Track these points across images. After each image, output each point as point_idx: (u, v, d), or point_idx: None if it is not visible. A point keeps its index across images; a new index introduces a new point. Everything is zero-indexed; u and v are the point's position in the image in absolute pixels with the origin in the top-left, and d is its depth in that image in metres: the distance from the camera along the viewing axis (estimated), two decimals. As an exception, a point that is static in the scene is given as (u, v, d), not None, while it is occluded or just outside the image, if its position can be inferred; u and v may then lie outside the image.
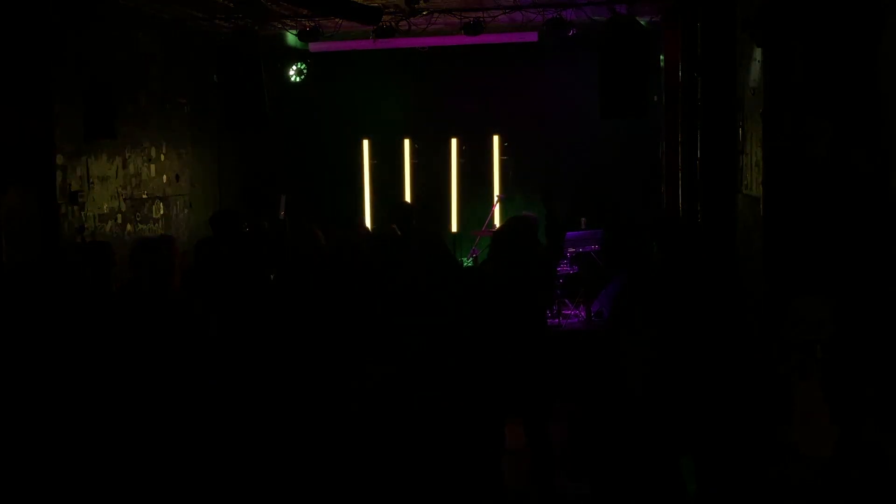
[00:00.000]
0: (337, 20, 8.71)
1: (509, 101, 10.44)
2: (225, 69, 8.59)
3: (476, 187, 10.68)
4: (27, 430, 5.59)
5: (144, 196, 8.04)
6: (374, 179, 10.87)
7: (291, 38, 9.66)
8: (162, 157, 8.39)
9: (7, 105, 6.49)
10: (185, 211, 8.82)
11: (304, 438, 5.49)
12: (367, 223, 10.59)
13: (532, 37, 9.27)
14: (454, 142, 10.67)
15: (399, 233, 6.13)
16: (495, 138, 10.62)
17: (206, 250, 5.97)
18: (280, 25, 9.14)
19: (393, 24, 8.59)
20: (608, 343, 4.85)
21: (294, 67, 10.13)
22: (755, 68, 4.90)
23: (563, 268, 8.63)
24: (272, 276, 6.11)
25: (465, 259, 9.52)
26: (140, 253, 4.76)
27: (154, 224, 8.17)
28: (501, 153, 10.62)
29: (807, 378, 4.20)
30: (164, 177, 8.43)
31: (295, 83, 10.22)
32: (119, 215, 7.58)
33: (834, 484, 4.10)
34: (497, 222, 9.84)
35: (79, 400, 5.60)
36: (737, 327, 5.26)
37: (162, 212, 8.35)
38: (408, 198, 10.77)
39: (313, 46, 9.68)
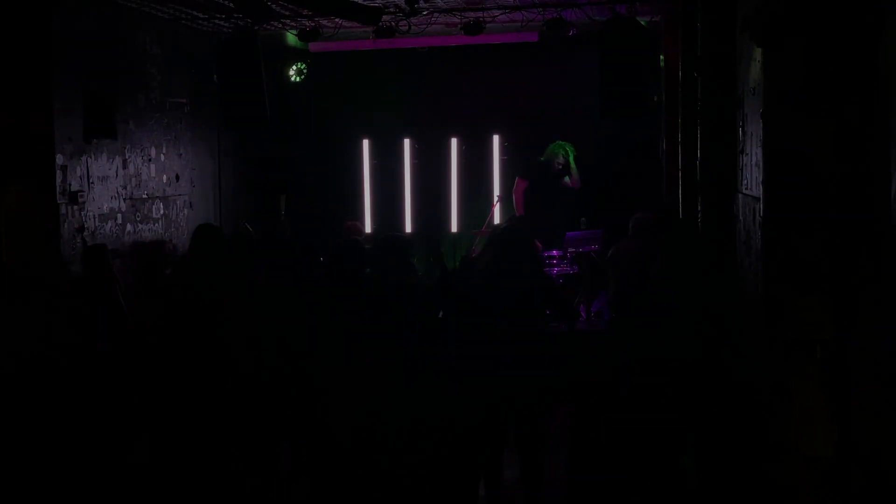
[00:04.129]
0: (337, 20, 8.71)
1: (509, 101, 10.43)
2: (225, 69, 8.59)
3: (476, 187, 10.67)
4: (29, 429, 5.60)
5: (144, 196, 8.04)
6: (374, 179, 10.87)
7: (291, 38, 9.66)
8: (162, 157, 8.39)
9: (7, 105, 6.49)
10: (185, 211, 8.81)
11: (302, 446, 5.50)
12: (368, 224, 10.60)
13: (532, 37, 9.26)
14: (454, 142, 10.67)
15: None
16: (495, 138, 10.61)
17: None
18: (280, 25, 9.14)
19: (393, 24, 8.58)
20: (610, 342, 4.85)
21: (294, 67, 10.12)
22: (755, 68, 4.90)
23: (564, 268, 8.63)
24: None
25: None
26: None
27: (154, 224, 8.17)
28: (501, 153, 10.62)
29: (807, 378, 4.20)
30: (164, 177, 8.43)
31: (295, 83, 10.21)
32: (119, 215, 7.58)
33: (834, 484, 4.10)
34: (497, 222, 9.83)
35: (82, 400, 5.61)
36: (736, 327, 5.26)
37: (162, 212, 8.34)
38: (407, 198, 10.75)
39: (313, 46, 9.68)
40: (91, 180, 7.15)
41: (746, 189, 5.26)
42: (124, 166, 7.71)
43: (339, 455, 5.03)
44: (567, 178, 9.27)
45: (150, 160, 8.16)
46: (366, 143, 10.87)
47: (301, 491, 5.37)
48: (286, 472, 5.62)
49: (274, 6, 8.17)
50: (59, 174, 6.70)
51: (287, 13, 8.54)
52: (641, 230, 7.04)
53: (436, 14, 8.50)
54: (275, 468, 5.58)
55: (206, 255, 5.82)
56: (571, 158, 9.16)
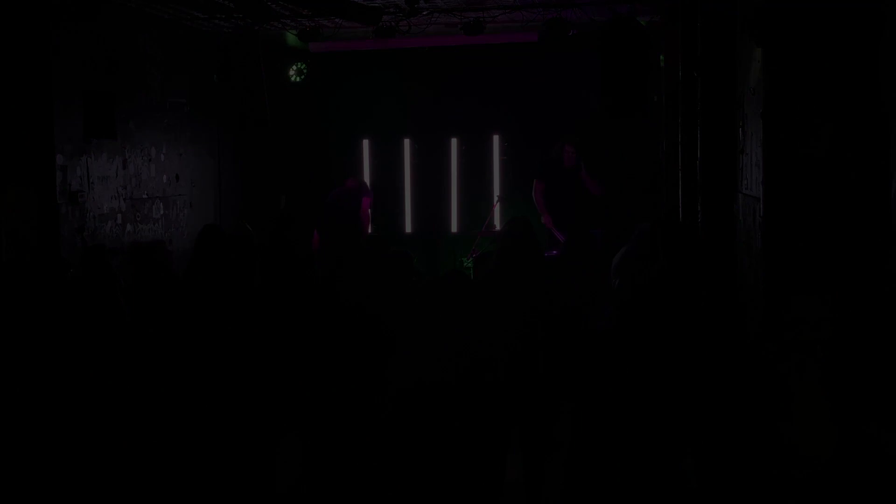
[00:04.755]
0: (337, 20, 8.71)
1: (509, 101, 10.44)
2: (225, 69, 8.60)
3: (476, 187, 10.68)
4: (29, 432, 5.59)
5: (144, 196, 8.05)
6: (374, 179, 10.87)
7: (291, 38, 9.66)
8: (162, 157, 8.39)
9: (7, 105, 6.50)
10: (185, 211, 8.82)
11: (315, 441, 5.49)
12: (368, 225, 10.60)
13: (532, 37, 9.26)
14: (454, 142, 10.67)
15: None
16: (495, 138, 10.62)
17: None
18: (280, 25, 9.14)
19: (393, 24, 8.59)
20: (611, 343, 4.85)
21: (294, 67, 10.12)
22: (755, 68, 4.90)
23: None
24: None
25: (464, 259, 9.52)
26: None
27: (154, 224, 8.17)
28: (501, 153, 10.62)
29: (807, 378, 4.20)
30: (164, 177, 8.44)
31: (295, 83, 10.22)
32: (119, 215, 7.58)
33: (834, 484, 4.10)
34: (497, 222, 9.84)
35: (82, 400, 5.61)
36: (737, 327, 5.26)
37: (162, 212, 8.35)
38: (407, 198, 10.77)
39: (313, 46, 9.68)
40: (91, 180, 7.16)
41: (746, 189, 5.26)
42: (124, 166, 7.71)
43: (344, 455, 5.03)
44: (586, 184, 9.23)
45: (150, 160, 8.17)
46: (366, 143, 10.88)
47: (301, 491, 5.36)
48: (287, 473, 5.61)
49: (274, 6, 8.17)
50: (59, 174, 6.71)
51: (287, 13, 8.54)
52: (643, 235, 7.04)
53: (436, 14, 8.50)
54: (274, 468, 5.58)
55: (211, 257, 5.82)
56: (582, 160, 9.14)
